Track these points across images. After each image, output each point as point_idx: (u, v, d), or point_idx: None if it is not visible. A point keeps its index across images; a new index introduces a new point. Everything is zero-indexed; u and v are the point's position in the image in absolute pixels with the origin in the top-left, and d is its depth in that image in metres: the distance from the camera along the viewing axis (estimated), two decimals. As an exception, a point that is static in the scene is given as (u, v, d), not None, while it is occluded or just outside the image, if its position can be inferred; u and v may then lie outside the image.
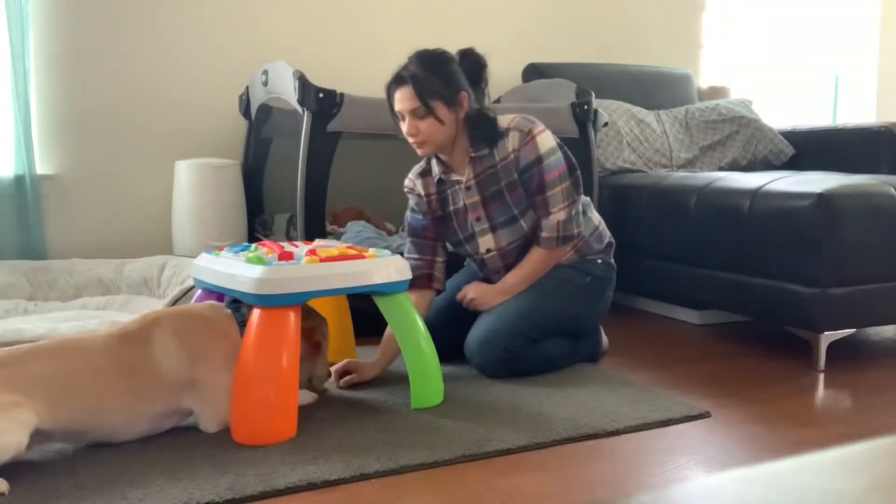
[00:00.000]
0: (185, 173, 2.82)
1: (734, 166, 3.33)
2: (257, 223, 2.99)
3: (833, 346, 2.22)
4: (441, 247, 2.24)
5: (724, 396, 1.96)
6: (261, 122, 2.98)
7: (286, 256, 1.71)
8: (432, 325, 2.11)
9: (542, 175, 2.09)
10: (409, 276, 1.87)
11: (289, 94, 2.46)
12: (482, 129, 2.12)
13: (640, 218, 2.81)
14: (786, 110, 4.27)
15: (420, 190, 2.23)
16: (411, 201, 2.25)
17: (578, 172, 2.15)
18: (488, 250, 2.19)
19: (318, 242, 1.92)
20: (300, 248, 1.81)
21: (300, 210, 2.38)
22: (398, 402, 1.87)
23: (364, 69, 3.27)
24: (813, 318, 2.17)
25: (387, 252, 1.87)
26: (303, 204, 2.37)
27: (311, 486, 1.41)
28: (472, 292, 2.17)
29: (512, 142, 2.10)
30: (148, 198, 3.00)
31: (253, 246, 1.84)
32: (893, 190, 2.23)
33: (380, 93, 2.19)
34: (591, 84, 2.82)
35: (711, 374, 2.17)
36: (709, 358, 2.34)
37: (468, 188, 2.17)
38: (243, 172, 2.95)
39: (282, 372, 1.59)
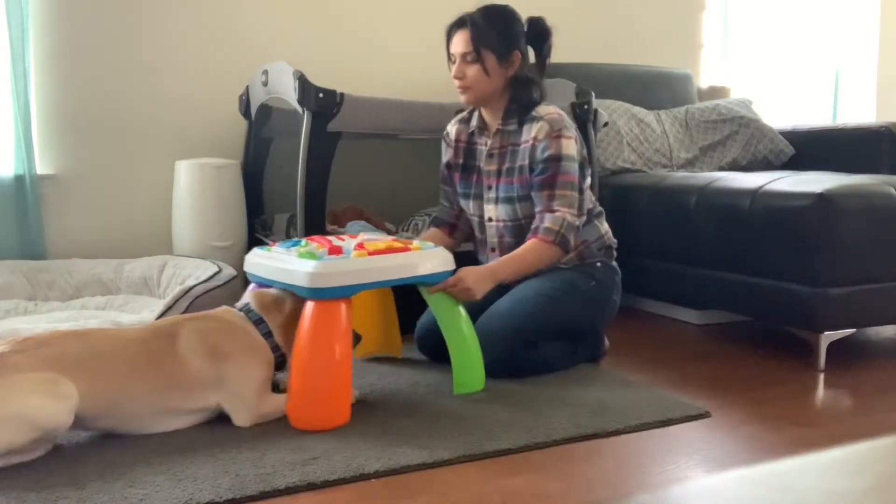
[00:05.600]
0: (185, 173, 2.82)
1: (734, 166, 3.33)
2: (257, 223, 2.99)
3: (833, 346, 2.22)
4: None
5: (724, 396, 1.96)
6: (261, 122, 2.98)
7: (336, 251, 1.78)
8: (433, 327, 2.12)
9: (556, 173, 2.09)
10: (452, 266, 1.93)
11: (289, 94, 2.46)
12: (518, 103, 2.17)
13: (640, 218, 2.81)
14: (786, 110, 4.26)
15: (452, 136, 2.32)
16: (442, 148, 2.36)
17: (586, 197, 2.17)
18: (489, 219, 2.24)
19: (363, 236, 1.99)
20: (347, 242, 1.86)
21: (300, 210, 2.38)
22: (398, 401, 1.87)
23: (364, 69, 3.27)
24: (813, 318, 2.17)
25: (430, 244, 1.93)
26: (303, 204, 2.37)
27: (311, 487, 1.41)
28: (458, 276, 1.95)
29: (538, 130, 2.12)
30: (148, 198, 3.00)
31: (303, 241, 1.91)
32: (893, 190, 2.23)
33: (380, 93, 2.20)
34: (591, 84, 2.82)
35: (711, 374, 2.17)
36: (709, 358, 2.34)
37: (490, 155, 2.23)
38: (243, 172, 2.95)
39: (335, 360, 1.66)
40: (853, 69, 4.48)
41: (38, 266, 2.67)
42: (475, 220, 2.28)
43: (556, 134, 2.10)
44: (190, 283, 2.33)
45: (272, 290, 1.84)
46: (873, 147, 3.13)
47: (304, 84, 2.36)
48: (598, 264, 2.22)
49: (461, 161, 2.30)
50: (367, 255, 1.76)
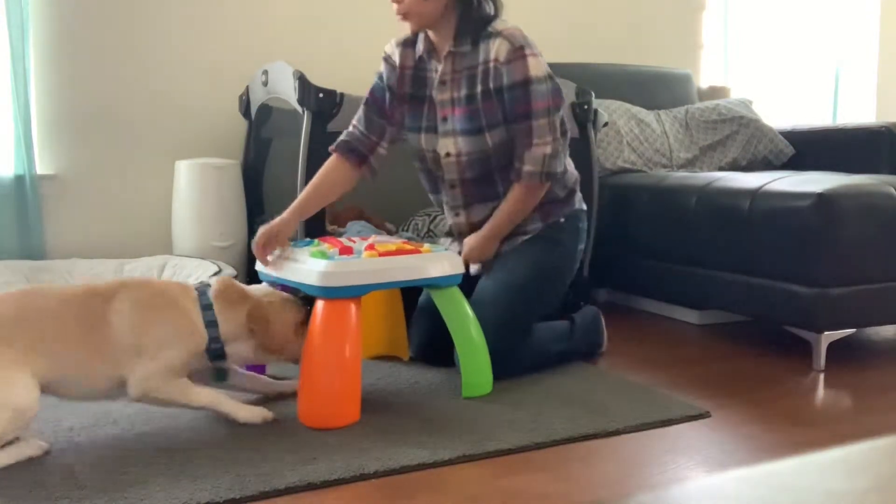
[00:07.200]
0: (185, 173, 2.82)
1: (734, 166, 3.33)
2: (257, 223, 2.99)
3: (833, 346, 2.22)
4: (391, 137, 2.12)
5: (724, 396, 1.96)
6: (261, 122, 2.98)
7: (347, 251, 1.80)
8: (431, 339, 2.11)
9: (528, 100, 1.92)
10: (462, 270, 1.91)
11: (289, 94, 2.46)
12: (469, 22, 1.97)
13: (640, 218, 2.81)
14: (786, 110, 4.26)
15: (396, 60, 2.09)
16: (383, 69, 2.12)
17: (563, 115, 2.01)
18: (447, 154, 2.05)
19: (375, 238, 2.00)
20: (358, 243, 1.89)
21: (300, 210, 2.38)
22: (398, 401, 1.87)
23: (364, 69, 3.26)
24: (813, 318, 2.17)
25: (440, 247, 1.94)
26: (303, 204, 2.37)
27: (310, 486, 1.41)
28: (467, 247, 2.07)
29: (497, 49, 1.93)
30: (148, 198, 3.00)
31: (315, 241, 1.93)
32: (893, 190, 2.23)
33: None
34: (591, 84, 2.82)
35: (711, 374, 2.17)
36: (709, 358, 2.34)
37: (442, 83, 2.03)
38: (243, 172, 2.95)
39: (345, 359, 1.68)
40: (853, 69, 4.49)
41: (38, 266, 2.67)
42: (428, 155, 2.09)
43: (518, 54, 1.91)
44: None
45: (245, 289, 1.77)
46: (873, 147, 3.13)
47: (304, 84, 2.36)
48: (562, 220, 2.11)
49: (408, 91, 2.07)
50: (377, 256, 1.78)
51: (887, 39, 4.52)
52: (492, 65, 1.95)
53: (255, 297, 1.76)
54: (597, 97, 2.79)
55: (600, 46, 3.75)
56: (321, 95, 2.35)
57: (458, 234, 2.20)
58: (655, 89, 3.56)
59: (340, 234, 2.71)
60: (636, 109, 3.29)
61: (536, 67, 1.94)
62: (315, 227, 2.39)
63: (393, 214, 3.09)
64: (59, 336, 1.54)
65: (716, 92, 3.86)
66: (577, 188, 2.19)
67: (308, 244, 1.92)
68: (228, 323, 1.69)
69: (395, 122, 2.13)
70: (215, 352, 1.68)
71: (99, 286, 1.63)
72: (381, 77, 2.13)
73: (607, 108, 3.14)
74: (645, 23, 3.89)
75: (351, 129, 2.13)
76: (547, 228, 2.10)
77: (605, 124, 2.88)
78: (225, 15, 3.07)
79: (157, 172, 2.99)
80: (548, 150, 1.96)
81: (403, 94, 2.10)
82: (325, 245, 1.87)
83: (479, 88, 1.98)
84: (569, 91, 2.76)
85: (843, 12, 4.43)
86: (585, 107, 2.68)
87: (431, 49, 2.05)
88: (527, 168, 1.97)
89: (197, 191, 2.81)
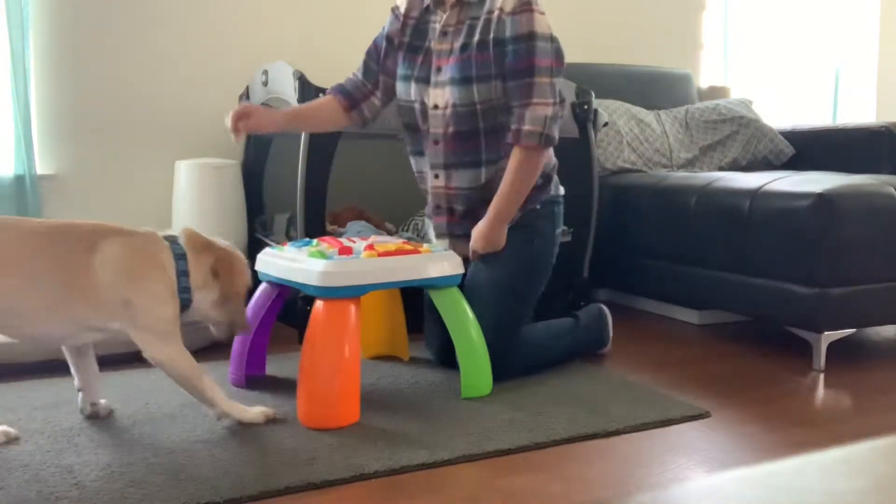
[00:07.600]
0: (185, 173, 2.82)
1: (734, 166, 3.33)
2: (257, 223, 2.99)
3: (833, 346, 2.22)
4: (386, 87, 2.14)
5: (724, 396, 1.96)
6: (261, 122, 2.98)
7: (346, 251, 1.81)
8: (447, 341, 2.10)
9: (532, 55, 1.88)
10: (461, 270, 1.91)
11: (289, 94, 2.46)
12: None
13: (640, 218, 2.81)
14: (786, 110, 4.27)
15: (402, 9, 2.11)
16: (387, 20, 2.16)
17: (561, 83, 1.97)
18: (436, 106, 2.00)
19: (374, 238, 2.01)
20: (358, 243, 1.89)
21: (300, 210, 2.38)
22: (398, 401, 1.87)
23: (364, 69, 3.27)
24: (813, 318, 2.17)
25: (440, 247, 1.94)
26: (303, 204, 2.37)
27: (310, 486, 1.41)
28: (473, 240, 2.02)
29: (504, 0, 1.91)
30: (148, 198, 3.00)
31: (314, 241, 1.94)
32: (893, 190, 2.23)
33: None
34: (591, 84, 2.82)
35: (711, 374, 2.17)
36: (709, 358, 2.34)
37: (444, 33, 2.01)
38: (243, 172, 2.95)
39: (344, 359, 1.68)
40: (853, 69, 4.49)
41: (38, 266, 2.67)
42: (416, 106, 2.05)
43: (525, 7, 1.88)
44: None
45: (209, 238, 1.73)
46: (873, 147, 3.13)
47: (304, 84, 2.36)
48: (538, 206, 2.08)
49: (407, 40, 2.08)
50: (377, 256, 1.79)
51: (887, 40, 4.52)
52: (496, 14, 1.92)
53: (222, 245, 1.72)
54: (597, 97, 2.79)
55: (600, 46, 3.75)
56: (321, 95, 2.35)
57: (435, 206, 2.14)
58: (655, 89, 3.56)
59: (340, 234, 2.71)
60: (636, 109, 3.29)
61: (542, 24, 1.91)
62: (315, 227, 2.39)
63: (393, 214, 3.09)
64: (21, 261, 1.49)
65: (716, 92, 3.86)
66: (555, 174, 2.17)
67: (307, 244, 1.92)
68: (198, 271, 1.66)
69: (389, 70, 2.16)
70: (183, 302, 1.65)
71: (80, 225, 1.58)
72: (384, 28, 2.18)
73: (607, 108, 3.14)
74: (645, 23, 3.89)
75: (351, 75, 2.21)
76: (523, 217, 2.07)
77: (605, 124, 2.88)
78: (225, 15, 3.07)
79: (157, 172, 2.99)
80: (549, 111, 1.90)
81: (402, 43, 2.11)
82: (324, 245, 1.88)
83: (475, 38, 1.95)
84: (569, 91, 2.76)
85: (843, 13, 4.43)
86: (585, 107, 2.68)
87: (439, 1, 2.05)
88: (526, 128, 1.90)
89: (197, 191, 2.81)
